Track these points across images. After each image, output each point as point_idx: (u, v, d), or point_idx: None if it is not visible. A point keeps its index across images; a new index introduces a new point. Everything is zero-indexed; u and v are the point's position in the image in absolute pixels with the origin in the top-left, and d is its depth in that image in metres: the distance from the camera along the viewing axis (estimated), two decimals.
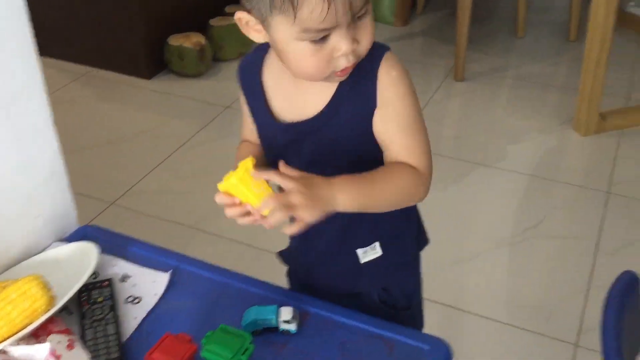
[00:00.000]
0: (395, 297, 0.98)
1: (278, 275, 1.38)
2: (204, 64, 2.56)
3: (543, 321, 1.54)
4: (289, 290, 0.94)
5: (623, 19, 2.89)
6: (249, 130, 0.95)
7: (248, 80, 0.91)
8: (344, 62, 0.77)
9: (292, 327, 0.85)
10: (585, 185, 1.97)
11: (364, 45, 0.78)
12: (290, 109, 0.87)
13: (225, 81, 2.58)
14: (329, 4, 0.71)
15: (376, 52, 0.81)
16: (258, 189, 0.78)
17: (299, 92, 0.86)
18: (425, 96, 2.41)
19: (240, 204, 0.80)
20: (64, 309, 0.90)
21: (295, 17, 0.72)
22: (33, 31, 0.91)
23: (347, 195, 0.78)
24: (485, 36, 2.89)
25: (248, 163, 0.79)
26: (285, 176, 0.76)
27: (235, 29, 2.77)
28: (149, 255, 0.99)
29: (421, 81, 2.48)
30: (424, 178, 0.83)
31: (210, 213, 1.89)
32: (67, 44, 2.66)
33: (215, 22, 2.66)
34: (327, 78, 0.80)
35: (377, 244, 0.93)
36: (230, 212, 0.81)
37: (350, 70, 0.80)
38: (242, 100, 0.94)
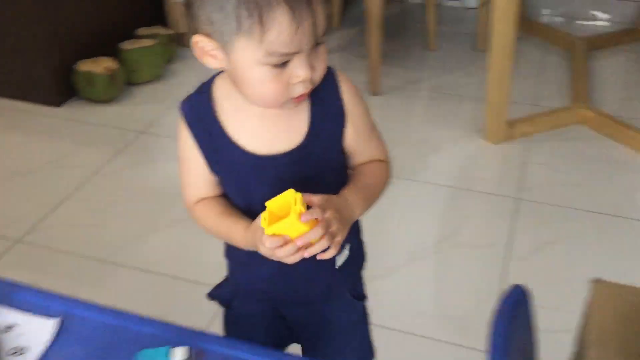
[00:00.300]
0: (359, 287, 1.05)
1: (199, 304, 1.35)
2: (115, 89, 2.50)
3: (459, 331, 1.56)
4: (184, 328, 0.91)
5: (530, 28, 3.01)
6: (206, 183, 0.90)
7: (200, 124, 0.87)
8: (301, 88, 0.79)
9: None
10: (496, 193, 2.02)
11: (319, 73, 0.80)
12: (260, 143, 0.86)
13: (140, 106, 2.52)
14: (297, 28, 0.73)
15: (329, 75, 0.85)
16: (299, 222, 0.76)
17: (266, 124, 0.85)
18: None
19: (289, 241, 0.77)
20: None
21: (262, 40, 0.74)
22: None
23: (360, 207, 0.86)
24: (399, 50, 2.94)
25: (297, 196, 0.75)
26: (320, 205, 0.78)
27: (147, 51, 2.72)
28: (36, 301, 0.94)
29: None
30: (389, 163, 0.95)
31: (126, 245, 1.83)
32: None
33: (126, 45, 2.60)
34: (283, 105, 0.81)
35: (347, 247, 0.96)
36: (283, 252, 0.77)
37: (305, 98, 0.82)
38: (190, 150, 0.88)
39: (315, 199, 0.78)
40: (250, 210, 0.89)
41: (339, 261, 0.96)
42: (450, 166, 2.16)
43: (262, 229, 0.76)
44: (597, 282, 0.87)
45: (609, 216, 1.91)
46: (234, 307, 1.06)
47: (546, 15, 3.17)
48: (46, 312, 0.92)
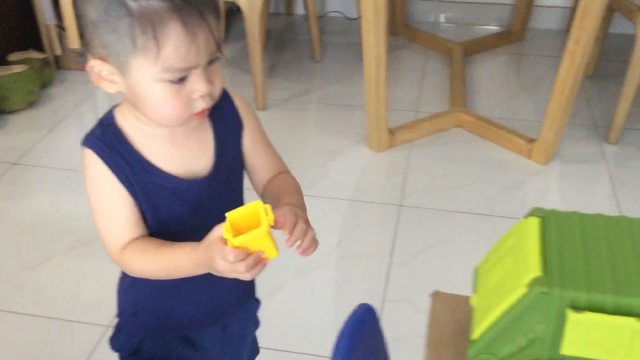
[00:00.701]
0: (255, 289, 1.06)
1: (81, 346, 1.29)
2: None
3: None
4: None
5: (413, 35, 3.09)
6: (133, 221, 0.84)
7: (115, 156, 0.82)
8: (202, 104, 0.79)
9: None
10: (379, 202, 2.06)
11: (218, 87, 0.80)
12: (178, 165, 0.85)
13: (12, 135, 2.40)
14: (192, 42, 0.74)
15: (229, 93, 0.90)
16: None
17: (178, 146, 0.85)
18: None
19: (250, 253, 0.75)
20: None
21: (158, 56, 0.74)
22: None
23: (305, 212, 0.86)
24: (285, 63, 2.95)
25: (266, 207, 0.74)
26: (285, 212, 0.79)
27: (18, 77, 2.59)
28: None
29: None
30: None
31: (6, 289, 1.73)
32: None
33: None
34: (185, 122, 0.81)
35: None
36: (245, 265, 0.75)
37: (207, 113, 0.82)
38: (111, 187, 0.82)
39: (279, 209, 0.79)
40: (176, 236, 0.86)
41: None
42: (337, 177, 2.19)
43: (221, 243, 0.74)
44: (436, 295, 0.89)
45: (485, 216, 1.98)
46: (144, 351, 0.98)
47: (425, 22, 3.27)
48: None
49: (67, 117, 2.55)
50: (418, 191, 2.09)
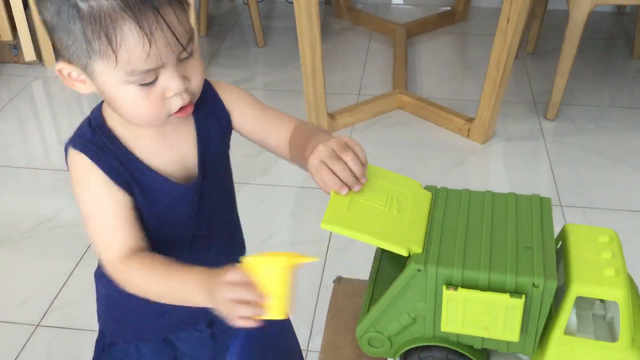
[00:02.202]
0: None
1: (11, 346, 1.24)
2: None
3: None
4: None
5: (357, 17, 3.08)
6: (132, 226, 0.78)
7: (108, 157, 0.77)
8: (179, 101, 0.74)
9: None
10: (315, 187, 2.04)
11: (196, 82, 0.75)
12: (176, 165, 0.83)
13: None
14: (150, 43, 0.68)
15: (205, 82, 0.82)
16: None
17: (168, 147, 0.82)
18: None
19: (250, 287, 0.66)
20: None
21: (116, 61, 0.68)
22: None
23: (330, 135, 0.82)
24: (227, 49, 2.91)
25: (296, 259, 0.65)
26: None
27: None
28: None
29: None
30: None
31: None
32: None
33: None
34: (166, 121, 0.76)
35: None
36: (245, 292, 0.66)
37: (190, 110, 0.76)
38: (107, 190, 0.77)
39: (314, 173, 0.77)
40: (176, 238, 0.85)
41: None
42: (278, 164, 2.16)
43: (230, 270, 0.67)
44: (339, 280, 0.89)
45: None
46: (115, 349, 0.95)
47: (371, 4, 3.26)
48: None
49: (4, 107, 2.48)
50: None
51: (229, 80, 2.62)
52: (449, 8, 3.15)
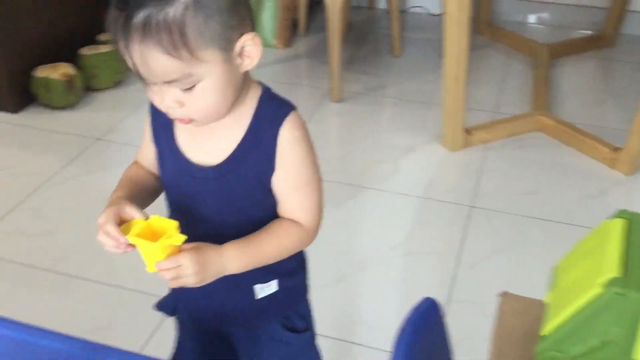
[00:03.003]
0: (294, 320, 1.01)
1: (146, 315, 1.33)
2: (74, 95, 2.48)
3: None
4: (90, 343, 0.89)
5: (496, 34, 3.02)
6: (145, 153, 0.95)
7: (158, 114, 0.87)
8: (170, 113, 0.81)
9: None
10: (451, 201, 2.02)
11: (192, 110, 0.80)
12: (197, 150, 0.88)
13: (99, 112, 2.50)
14: (128, 59, 0.76)
15: (279, 113, 0.85)
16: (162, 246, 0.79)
17: (206, 133, 0.86)
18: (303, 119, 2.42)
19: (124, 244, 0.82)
20: None
21: None
22: None
23: (236, 263, 0.85)
24: (363, 56, 2.94)
25: (177, 231, 0.79)
26: (184, 251, 0.80)
27: (108, 56, 2.69)
28: None
29: (300, 104, 2.47)
30: (310, 232, 0.90)
31: (74, 255, 1.81)
32: None
33: (86, 51, 2.58)
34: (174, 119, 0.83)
35: (274, 282, 0.95)
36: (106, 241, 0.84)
37: (187, 123, 0.82)
38: (147, 124, 0.92)
39: (187, 245, 0.81)
40: (173, 205, 0.93)
41: (260, 293, 0.96)
42: (408, 173, 2.16)
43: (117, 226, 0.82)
44: (505, 296, 0.86)
45: (560, 224, 1.91)
46: (178, 317, 1.07)
47: (512, 22, 3.18)
48: None
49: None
50: (491, 193, 2.04)
51: (362, 87, 2.67)
52: (594, 32, 3.02)
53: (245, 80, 0.84)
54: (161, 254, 0.80)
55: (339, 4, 2.37)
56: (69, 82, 2.43)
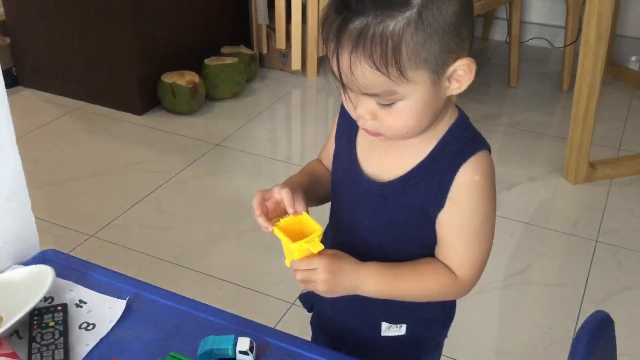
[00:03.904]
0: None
1: (267, 317, 1.34)
2: (196, 101, 2.57)
3: None
4: (248, 320, 0.90)
5: (619, 73, 2.92)
6: (328, 151, 0.93)
7: (344, 120, 0.86)
8: (360, 123, 0.77)
9: (249, 358, 0.82)
10: (573, 233, 1.94)
11: (384, 126, 0.76)
12: (373, 162, 0.84)
13: (217, 120, 2.58)
14: (337, 66, 0.72)
15: (466, 148, 0.78)
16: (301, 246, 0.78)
17: (387, 147, 0.82)
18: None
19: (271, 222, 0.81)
20: (14, 332, 0.86)
21: None
22: None
23: (370, 286, 0.81)
24: (478, 85, 2.91)
25: (319, 232, 0.78)
26: (321, 256, 0.78)
27: (229, 68, 2.80)
28: (107, 281, 0.96)
29: None
30: (463, 286, 0.82)
31: (194, 249, 1.86)
32: (62, 79, 2.67)
33: (210, 61, 2.68)
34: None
35: (404, 326, 0.90)
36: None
37: (374, 135, 0.78)
38: (334, 123, 0.91)
39: (328, 250, 0.79)
40: (334, 207, 0.91)
41: (386, 332, 0.91)
42: (527, 203, 2.10)
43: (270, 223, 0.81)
44: None
45: None
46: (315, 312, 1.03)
47: (634, 62, 3.07)
48: (116, 293, 0.93)
49: (264, 111, 2.70)
50: (617, 229, 1.95)
51: (476, 114, 2.62)
52: None
53: (446, 103, 0.78)
54: (298, 253, 0.79)
55: None
56: (193, 89, 2.53)
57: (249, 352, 0.81)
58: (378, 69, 0.70)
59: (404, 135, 0.77)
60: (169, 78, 2.54)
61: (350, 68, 0.71)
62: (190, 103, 2.55)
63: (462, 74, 0.74)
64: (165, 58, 2.60)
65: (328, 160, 0.93)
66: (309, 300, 1.04)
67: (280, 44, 2.87)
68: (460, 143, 0.79)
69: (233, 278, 1.73)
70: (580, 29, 2.76)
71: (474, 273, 0.82)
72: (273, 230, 0.80)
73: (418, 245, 0.84)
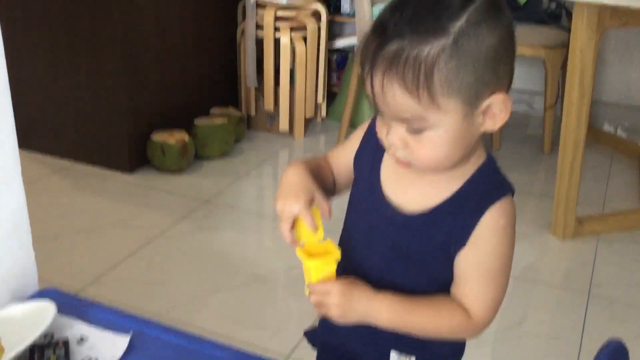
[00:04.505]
0: None
1: None
2: (185, 160, 2.58)
3: None
4: (254, 356, 0.88)
5: (597, 136, 3.01)
6: (342, 156, 0.92)
7: (372, 140, 0.85)
8: (391, 151, 0.78)
9: None
10: (565, 287, 1.95)
11: (415, 155, 0.76)
12: (397, 191, 0.84)
13: (206, 178, 2.59)
14: (371, 89, 0.73)
15: (494, 192, 0.79)
16: (321, 268, 0.80)
17: (413, 178, 0.82)
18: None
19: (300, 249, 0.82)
20: None
21: None
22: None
23: (383, 316, 0.80)
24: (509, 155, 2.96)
25: (337, 255, 0.80)
26: (337, 281, 0.79)
27: (219, 128, 2.82)
28: (109, 317, 0.94)
29: None
30: (477, 326, 0.82)
31: (183, 304, 1.82)
32: (51, 138, 2.68)
33: (200, 121, 2.71)
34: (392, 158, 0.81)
35: (413, 358, 0.89)
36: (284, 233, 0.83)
37: (404, 166, 0.78)
38: (353, 143, 0.90)
39: (343, 278, 0.80)
40: (350, 234, 0.90)
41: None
42: (517, 258, 2.04)
43: (292, 230, 0.82)
44: None
45: None
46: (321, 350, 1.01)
47: (607, 127, 3.18)
48: (119, 329, 0.91)
49: (252, 170, 2.72)
50: (608, 283, 1.96)
51: None
52: None
53: (476, 141, 0.78)
54: (314, 273, 0.79)
55: None
56: (183, 147, 2.55)
57: None
58: (409, 92, 0.70)
59: (433, 168, 0.77)
60: (158, 137, 2.55)
61: (383, 90, 0.72)
62: (179, 162, 2.56)
63: (497, 111, 0.74)
64: (155, 117, 2.63)
65: (337, 162, 0.92)
66: (316, 337, 1.01)
67: (269, 106, 2.93)
68: (489, 185, 0.80)
69: (227, 332, 1.69)
70: (559, 94, 2.87)
71: (489, 314, 0.82)
72: (296, 251, 0.81)
73: (432, 280, 0.84)
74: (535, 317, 1.83)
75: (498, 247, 0.80)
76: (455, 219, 0.79)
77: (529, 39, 2.76)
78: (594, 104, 3.12)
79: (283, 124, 2.93)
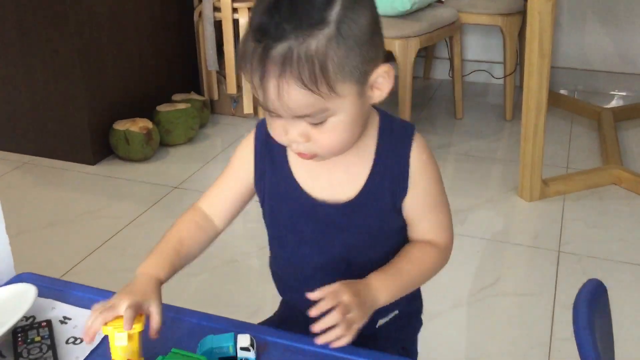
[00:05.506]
0: (409, 348, 1.00)
1: None
2: (150, 148, 2.54)
3: None
4: (244, 322, 0.88)
5: (557, 100, 3.07)
6: (224, 195, 0.91)
7: (266, 149, 0.86)
8: (293, 148, 0.78)
9: (251, 355, 0.79)
10: (536, 246, 1.99)
11: (318, 145, 0.77)
12: (316, 186, 0.85)
13: (173, 164, 2.56)
14: (260, 91, 0.72)
15: (404, 135, 0.84)
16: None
17: (324, 169, 0.83)
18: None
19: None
20: None
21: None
22: None
23: (385, 294, 0.82)
24: (426, 119, 3.00)
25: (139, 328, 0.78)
26: (335, 291, 0.76)
27: (182, 114, 2.79)
28: (90, 297, 0.92)
29: None
30: (447, 250, 0.89)
31: (162, 287, 1.80)
32: (7, 134, 2.61)
33: (162, 107, 2.67)
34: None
35: (395, 312, 0.94)
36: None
37: (309, 158, 0.79)
38: (242, 165, 0.89)
39: (330, 287, 0.77)
40: (283, 244, 0.90)
41: (381, 322, 0.94)
42: (487, 222, 2.14)
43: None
44: None
45: None
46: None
47: (567, 90, 3.25)
48: None
49: (219, 154, 2.69)
50: (576, 240, 2.01)
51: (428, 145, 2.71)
52: None
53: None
54: (115, 345, 0.77)
55: (411, 60, 2.45)
56: (147, 135, 2.51)
57: (250, 347, 0.79)
58: (309, 89, 0.70)
59: (340, 151, 0.79)
60: (121, 125, 2.51)
61: (280, 93, 0.71)
62: (144, 149, 2.52)
63: (382, 81, 0.77)
64: (116, 107, 2.58)
65: (221, 203, 0.93)
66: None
67: (231, 89, 2.90)
68: (396, 134, 0.84)
69: (207, 311, 1.67)
70: (517, 61, 2.92)
71: (451, 235, 0.90)
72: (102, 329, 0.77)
73: (395, 239, 0.88)
74: (509, 277, 1.87)
75: (432, 177, 0.86)
76: (390, 178, 0.83)
77: (486, 8, 2.79)
78: (551, 69, 3.18)
79: (247, 106, 2.91)
